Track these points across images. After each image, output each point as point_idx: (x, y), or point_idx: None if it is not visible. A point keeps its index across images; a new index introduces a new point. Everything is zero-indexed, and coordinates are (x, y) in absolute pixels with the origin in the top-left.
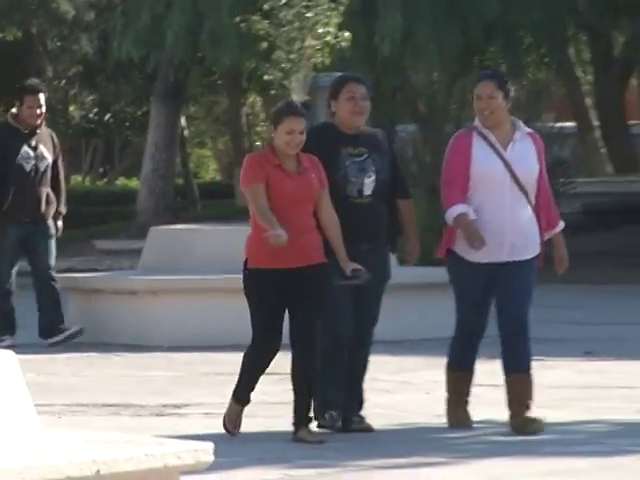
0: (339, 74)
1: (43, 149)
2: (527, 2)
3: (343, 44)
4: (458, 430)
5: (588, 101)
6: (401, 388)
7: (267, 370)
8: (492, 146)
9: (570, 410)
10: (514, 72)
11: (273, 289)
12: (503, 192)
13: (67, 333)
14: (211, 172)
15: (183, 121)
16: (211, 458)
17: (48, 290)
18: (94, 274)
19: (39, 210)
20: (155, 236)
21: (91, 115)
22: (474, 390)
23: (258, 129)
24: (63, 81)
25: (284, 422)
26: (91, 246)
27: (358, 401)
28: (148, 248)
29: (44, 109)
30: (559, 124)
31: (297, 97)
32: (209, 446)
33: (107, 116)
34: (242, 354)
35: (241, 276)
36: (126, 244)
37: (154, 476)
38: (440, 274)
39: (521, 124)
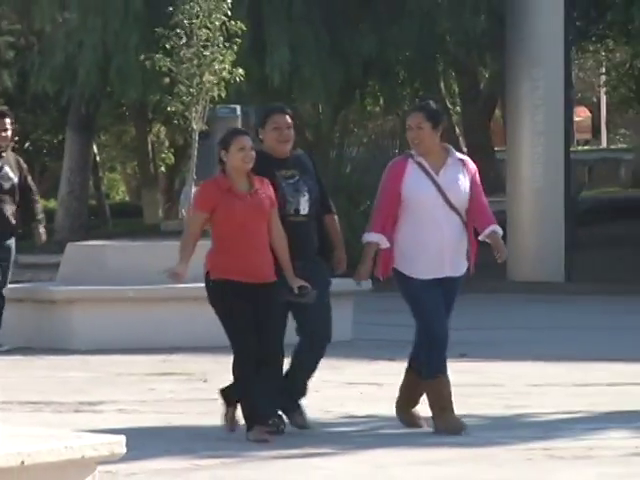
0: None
1: (7, 170)
2: (402, 41)
3: (237, 79)
4: (348, 425)
5: (457, 130)
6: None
7: (174, 370)
8: (425, 171)
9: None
10: (391, 104)
11: (235, 295)
12: (438, 213)
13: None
14: (121, 193)
15: (95, 148)
16: (124, 450)
17: None
18: (17, 285)
19: (4, 227)
20: (71, 251)
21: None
22: (361, 388)
23: (162, 155)
24: None
25: (189, 418)
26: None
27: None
28: (65, 262)
29: (10, 133)
30: None
31: (197, 126)
32: (122, 439)
33: (27, 144)
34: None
35: (148, 287)
36: (45, 258)
37: (73, 466)
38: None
39: (453, 151)
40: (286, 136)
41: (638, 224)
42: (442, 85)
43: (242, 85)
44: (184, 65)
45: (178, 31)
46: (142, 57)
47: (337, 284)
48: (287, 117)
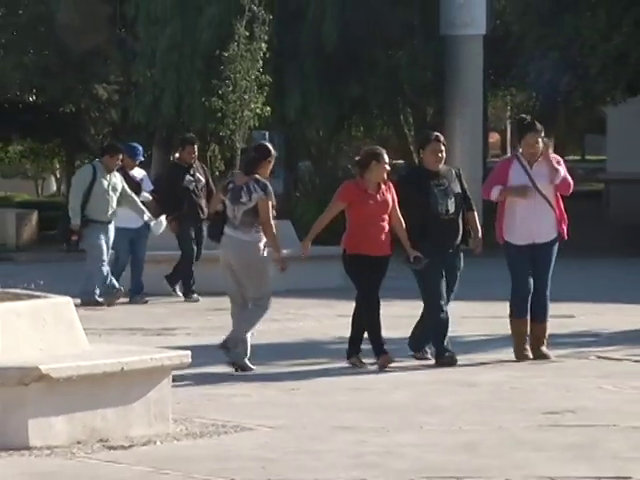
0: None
1: (198, 175)
2: (376, 88)
3: (266, 114)
4: (342, 343)
5: (411, 148)
6: (302, 317)
7: (221, 307)
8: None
9: (404, 329)
10: (368, 131)
11: (362, 266)
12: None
13: None
14: None
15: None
16: (189, 360)
17: None
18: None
19: (199, 217)
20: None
21: None
22: (349, 319)
23: (216, 165)
24: None
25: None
26: None
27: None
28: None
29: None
30: (395, 161)
31: (239, 145)
32: (188, 353)
33: None
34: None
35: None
36: None
37: (156, 371)
38: (328, 250)
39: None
40: (440, 158)
41: None
42: (402, 118)
43: (269, 118)
44: (230, 104)
45: (227, 82)
46: (203, 99)
47: (329, 249)
48: (442, 145)
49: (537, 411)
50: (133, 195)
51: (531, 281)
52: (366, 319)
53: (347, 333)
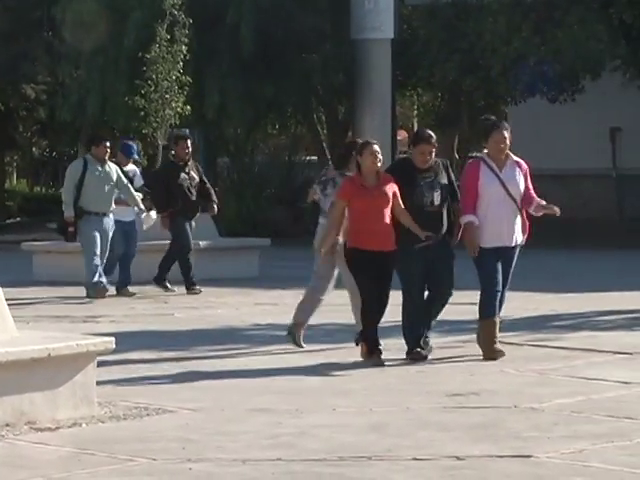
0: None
1: (193, 173)
2: (290, 89)
3: (186, 113)
4: (257, 329)
5: (324, 145)
6: (221, 305)
7: (146, 296)
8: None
9: (317, 317)
10: (282, 129)
11: (363, 262)
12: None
13: None
14: None
15: None
16: (113, 346)
17: None
18: None
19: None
20: None
21: None
22: (264, 307)
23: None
24: None
25: (156, 326)
26: None
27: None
28: None
29: (190, 149)
30: (309, 157)
31: (161, 142)
32: (112, 339)
33: (53, 153)
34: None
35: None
36: None
37: (81, 357)
38: (247, 241)
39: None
40: (428, 159)
41: None
42: (315, 117)
43: (189, 117)
44: (152, 104)
45: (149, 83)
46: (127, 99)
47: (247, 241)
48: (432, 147)
49: (443, 393)
50: (129, 185)
51: (500, 281)
52: (362, 314)
53: (263, 320)
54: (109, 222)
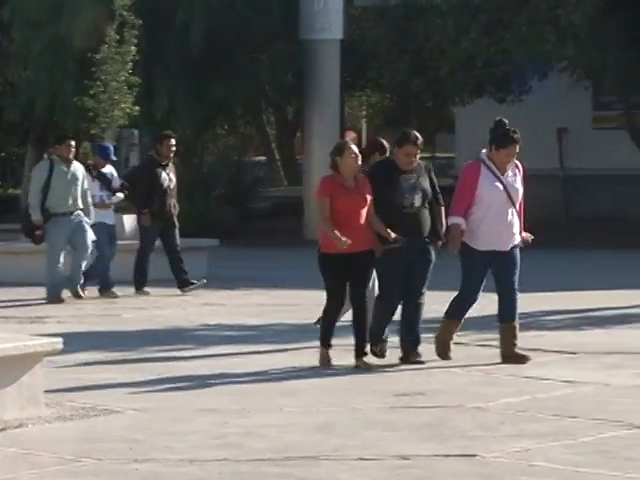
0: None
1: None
2: (239, 90)
3: (135, 113)
4: (204, 330)
5: (273, 145)
6: (169, 305)
7: (93, 297)
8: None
9: (266, 317)
10: (231, 130)
11: (336, 267)
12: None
13: None
14: None
15: (45, 156)
16: (61, 346)
17: None
18: None
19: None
20: None
21: None
22: (212, 307)
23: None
24: None
25: (103, 326)
26: None
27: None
28: None
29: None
30: (257, 157)
31: (110, 142)
32: (60, 339)
33: (2, 153)
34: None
35: None
36: None
37: (29, 357)
38: (195, 242)
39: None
40: (412, 161)
41: None
42: (264, 118)
43: (138, 117)
44: (101, 104)
45: (98, 83)
46: (76, 99)
47: (195, 241)
48: (418, 149)
49: (389, 393)
50: (87, 192)
51: (481, 289)
52: (324, 314)
53: (211, 320)
54: (82, 219)
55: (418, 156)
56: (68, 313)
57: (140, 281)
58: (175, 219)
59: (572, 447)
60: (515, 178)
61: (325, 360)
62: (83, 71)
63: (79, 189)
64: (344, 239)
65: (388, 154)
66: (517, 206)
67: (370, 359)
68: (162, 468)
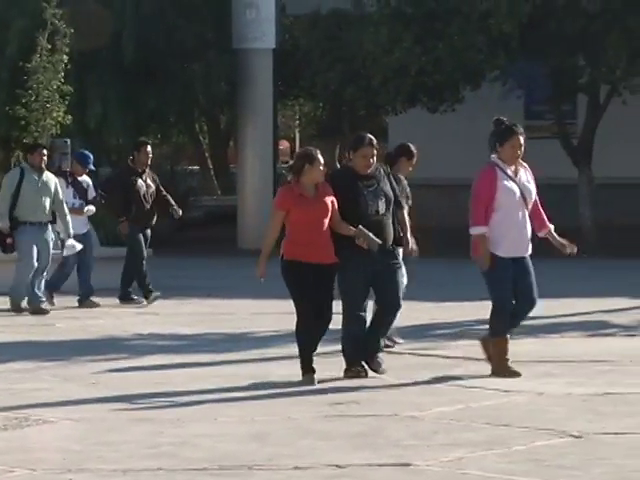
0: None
1: (149, 181)
2: (172, 99)
3: (67, 122)
4: (138, 339)
5: (206, 154)
6: (104, 314)
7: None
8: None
9: (200, 326)
10: (164, 139)
11: (300, 274)
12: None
13: None
14: None
15: None
16: None
17: None
18: None
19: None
20: None
21: None
22: (146, 317)
23: None
24: None
25: (35, 335)
26: None
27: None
28: None
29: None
30: (191, 167)
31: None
32: None
33: None
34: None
35: None
36: None
37: None
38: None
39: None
40: (370, 164)
41: None
42: (197, 127)
43: (70, 126)
44: (33, 113)
45: (30, 92)
46: (7, 108)
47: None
48: (374, 149)
49: (324, 402)
50: (64, 203)
51: (513, 295)
52: (298, 333)
53: (145, 329)
54: (49, 233)
55: (375, 158)
56: (1, 323)
57: (145, 288)
58: (151, 229)
59: (505, 456)
60: (528, 180)
61: (310, 383)
62: (15, 80)
63: (49, 200)
64: (260, 272)
65: (415, 161)
66: (529, 209)
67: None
68: (95, 478)
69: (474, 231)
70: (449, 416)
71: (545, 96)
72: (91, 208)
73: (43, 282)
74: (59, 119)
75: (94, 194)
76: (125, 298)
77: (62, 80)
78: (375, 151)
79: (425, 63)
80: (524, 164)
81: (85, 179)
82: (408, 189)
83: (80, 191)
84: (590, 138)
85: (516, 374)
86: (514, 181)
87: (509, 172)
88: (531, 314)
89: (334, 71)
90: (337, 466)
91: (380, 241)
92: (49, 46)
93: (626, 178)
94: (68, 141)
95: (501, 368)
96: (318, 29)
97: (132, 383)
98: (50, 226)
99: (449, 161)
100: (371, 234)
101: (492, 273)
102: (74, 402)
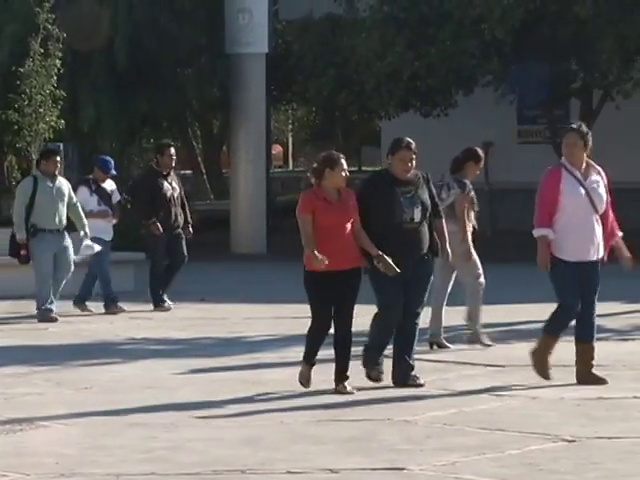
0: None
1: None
2: (164, 104)
3: (60, 127)
4: (131, 344)
5: (199, 158)
6: (96, 319)
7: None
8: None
9: (193, 331)
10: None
11: (322, 286)
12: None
13: None
14: None
15: None
16: None
17: None
18: None
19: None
20: None
21: None
22: (139, 321)
23: (14, 175)
24: None
25: (25, 340)
26: None
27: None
28: None
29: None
30: (184, 171)
31: (35, 156)
32: None
33: None
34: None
35: None
36: None
37: None
38: (124, 256)
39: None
40: (409, 168)
41: None
42: (190, 131)
43: (63, 131)
44: (26, 117)
45: (23, 96)
46: (0, 113)
47: (121, 255)
48: (412, 153)
49: (317, 406)
50: (78, 205)
51: (579, 302)
52: (309, 337)
53: (138, 334)
54: (67, 239)
55: (414, 162)
56: None
57: (157, 297)
58: (181, 230)
59: (499, 460)
60: (598, 184)
61: (305, 378)
62: (7, 84)
63: (65, 205)
64: (320, 257)
65: (482, 164)
66: (600, 214)
67: (352, 383)
68: None
69: (536, 233)
70: (442, 420)
71: (538, 100)
72: (113, 221)
73: (60, 289)
74: (52, 123)
75: (118, 197)
76: (157, 304)
77: (55, 85)
78: (414, 155)
79: (418, 68)
80: (598, 167)
81: (108, 184)
82: (473, 193)
83: (104, 197)
84: None
85: (548, 377)
86: (582, 184)
87: (577, 175)
88: (530, 318)
89: (327, 76)
90: (330, 470)
91: (398, 270)
92: (42, 50)
93: (620, 183)
94: (61, 145)
95: (540, 366)
96: (311, 34)
97: (125, 387)
98: (67, 233)
99: (442, 166)
100: (390, 260)
101: (557, 277)
102: (67, 406)
